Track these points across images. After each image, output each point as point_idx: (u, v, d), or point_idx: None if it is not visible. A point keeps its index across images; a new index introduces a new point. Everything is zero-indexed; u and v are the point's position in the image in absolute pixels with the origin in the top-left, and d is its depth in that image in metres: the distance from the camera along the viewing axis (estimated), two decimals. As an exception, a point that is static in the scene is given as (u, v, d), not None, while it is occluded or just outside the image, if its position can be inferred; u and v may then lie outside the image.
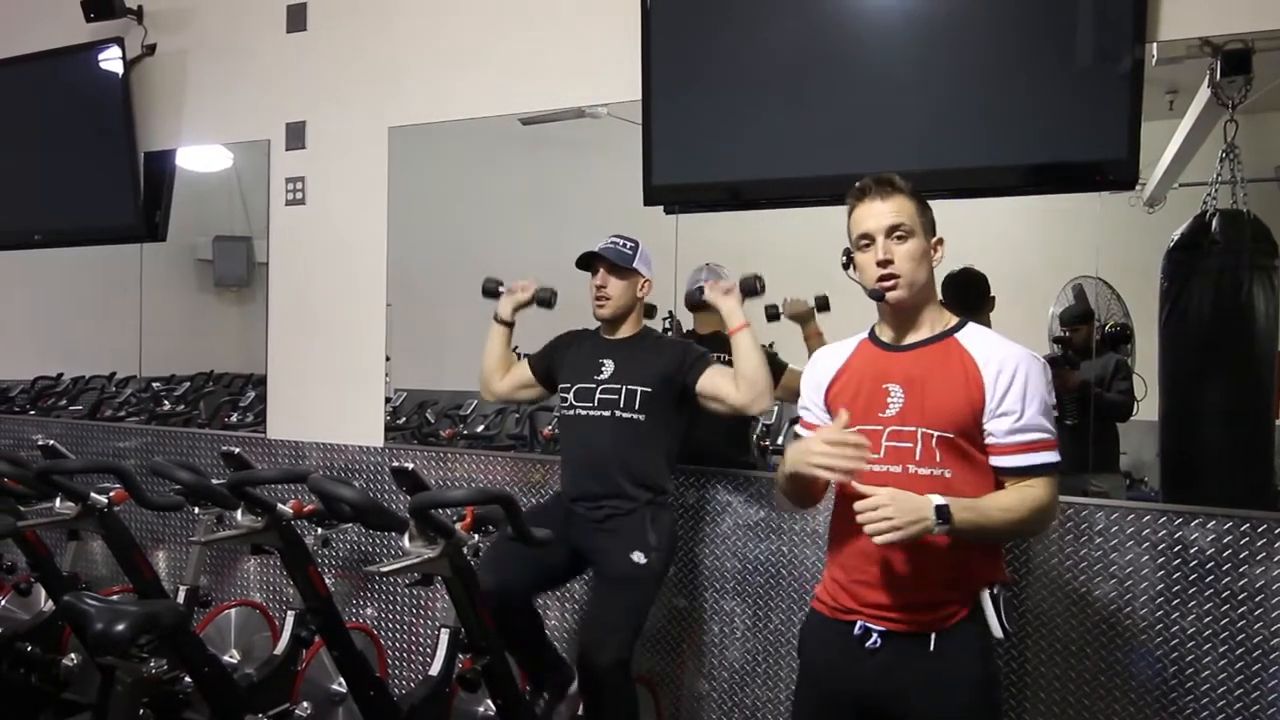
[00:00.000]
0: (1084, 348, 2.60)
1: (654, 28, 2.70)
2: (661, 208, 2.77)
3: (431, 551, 2.10)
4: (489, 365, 2.71)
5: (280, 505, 2.55)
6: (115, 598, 2.87)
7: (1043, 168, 2.37)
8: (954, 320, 1.79)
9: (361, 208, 3.37)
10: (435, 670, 2.69)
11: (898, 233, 1.73)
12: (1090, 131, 2.28)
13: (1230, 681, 2.22)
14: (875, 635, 1.71)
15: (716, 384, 2.46)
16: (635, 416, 2.47)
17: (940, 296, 1.84)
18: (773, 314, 2.64)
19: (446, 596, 2.36)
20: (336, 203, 3.44)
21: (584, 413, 2.52)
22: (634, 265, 2.53)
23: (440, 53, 3.23)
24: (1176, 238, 2.38)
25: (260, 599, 3.49)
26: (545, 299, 2.69)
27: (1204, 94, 2.31)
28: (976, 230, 2.46)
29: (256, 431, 3.64)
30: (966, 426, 1.69)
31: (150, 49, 3.80)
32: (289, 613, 2.88)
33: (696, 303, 2.81)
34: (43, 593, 3.19)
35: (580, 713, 2.62)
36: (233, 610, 3.25)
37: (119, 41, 3.73)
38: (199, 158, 3.87)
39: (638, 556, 2.41)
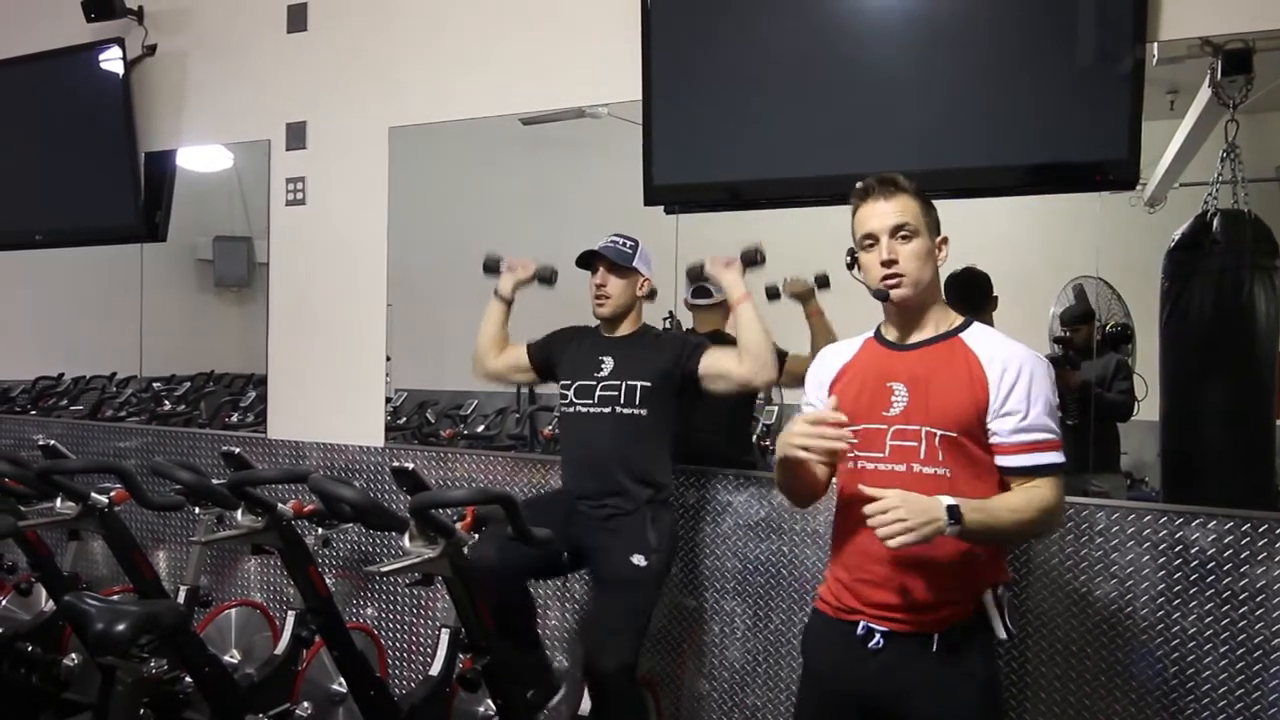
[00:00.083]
0: (1085, 348, 2.60)
1: (654, 28, 2.70)
2: (662, 208, 2.77)
3: (432, 551, 2.10)
4: (483, 342, 2.70)
5: (281, 505, 2.55)
6: (116, 598, 2.87)
7: (1043, 168, 2.36)
8: (959, 320, 1.79)
9: (362, 208, 3.37)
10: (435, 670, 2.70)
11: (902, 232, 1.73)
12: (1091, 131, 2.28)
13: (1231, 682, 2.22)
14: (878, 636, 1.71)
15: (718, 362, 2.46)
16: (636, 412, 2.47)
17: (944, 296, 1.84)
18: (773, 293, 2.64)
19: (447, 596, 2.36)
20: (337, 203, 3.44)
21: (584, 410, 2.52)
22: (634, 264, 2.53)
23: (440, 53, 3.23)
24: (1177, 238, 2.38)
25: (261, 599, 3.49)
26: (546, 276, 2.70)
27: (1205, 94, 2.31)
28: (977, 230, 2.45)
29: (257, 431, 3.64)
30: (970, 426, 1.69)
31: (151, 49, 3.80)
32: (289, 613, 2.89)
33: (696, 295, 2.82)
34: (43, 593, 3.19)
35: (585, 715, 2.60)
36: (233, 610, 3.25)
37: (119, 42, 3.73)
38: (199, 158, 3.87)
39: (638, 559, 2.41)
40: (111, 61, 3.75)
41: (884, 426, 1.73)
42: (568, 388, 2.57)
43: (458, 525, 2.16)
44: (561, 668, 3.00)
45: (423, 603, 3.26)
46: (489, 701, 2.67)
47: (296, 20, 3.51)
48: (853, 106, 2.50)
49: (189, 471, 2.72)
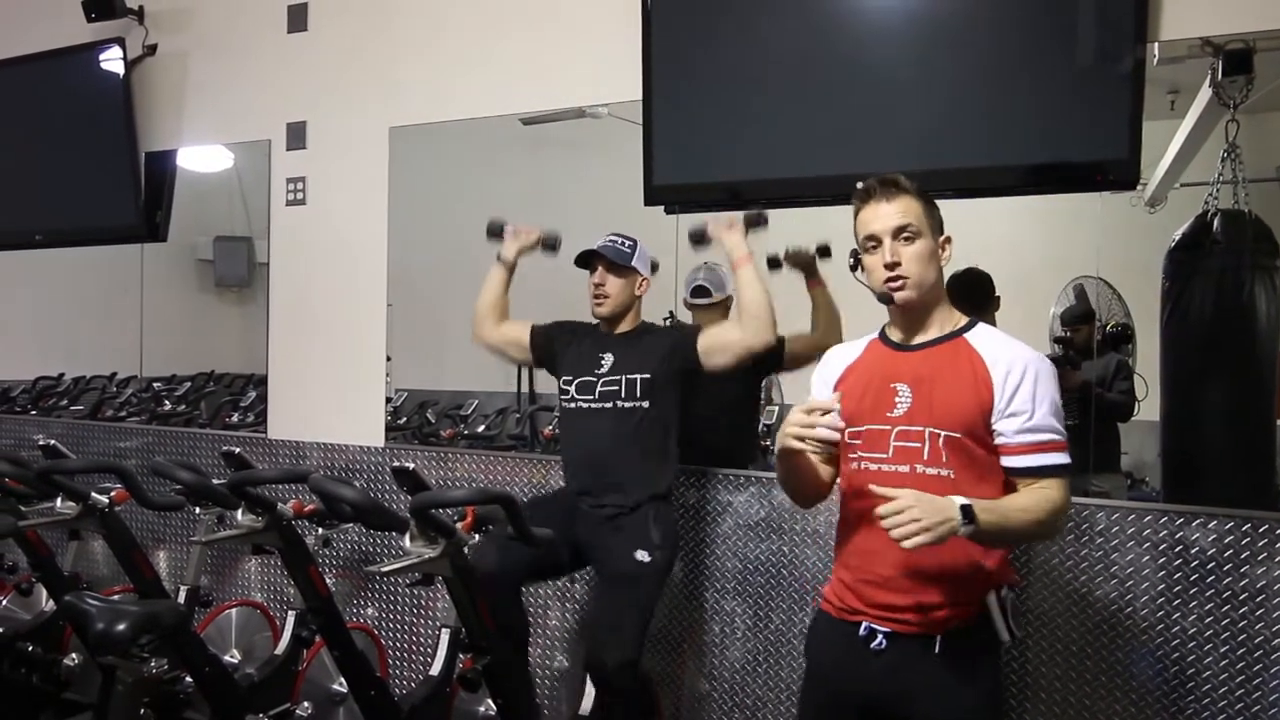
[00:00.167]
0: (1085, 348, 2.60)
1: (655, 28, 2.70)
2: (662, 208, 2.77)
3: (432, 551, 2.10)
4: (483, 308, 2.68)
5: (281, 505, 2.55)
6: (116, 597, 2.87)
7: (1044, 168, 2.36)
8: (963, 320, 1.78)
9: (362, 208, 3.37)
10: (436, 670, 2.70)
11: (905, 234, 1.72)
12: (1091, 131, 2.28)
13: (1231, 682, 2.22)
14: (880, 636, 1.71)
15: (716, 335, 2.47)
16: (638, 405, 2.47)
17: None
18: (774, 263, 2.64)
19: (447, 596, 2.36)
20: (337, 203, 3.44)
21: (585, 405, 2.53)
22: (632, 263, 2.53)
23: (441, 53, 3.23)
24: (1178, 238, 2.37)
25: (261, 599, 3.49)
26: (550, 243, 2.67)
27: (1205, 94, 2.31)
28: (977, 230, 2.45)
29: (257, 431, 3.64)
30: (974, 427, 1.68)
31: (151, 49, 3.80)
32: (290, 613, 2.89)
33: (696, 294, 2.82)
34: (44, 592, 3.20)
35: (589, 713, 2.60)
36: (233, 610, 3.25)
37: (120, 42, 3.73)
38: (200, 158, 3.87)
39: (641, 555, 2.40)
40: (112, 61, 3.76)
41: (887, 427, 1.73)
42: (569, 383, 2.57)
43: (458, 525, 2.16)
44: (562, 667, 3.01)
45: (423, 603, 3.26)
46: (489, 701, 2.66)
47: (297, 20, 3.51)
48: (853, 106, 2.50)
49: (189, 471, 2.72)
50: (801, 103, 2.56)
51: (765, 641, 2.73)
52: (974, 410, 1.68)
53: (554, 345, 2.64)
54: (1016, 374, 1.67)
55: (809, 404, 1.67)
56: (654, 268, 2.64)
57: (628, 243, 2.55)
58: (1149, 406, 2.48)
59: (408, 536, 2.11)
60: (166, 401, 4.03)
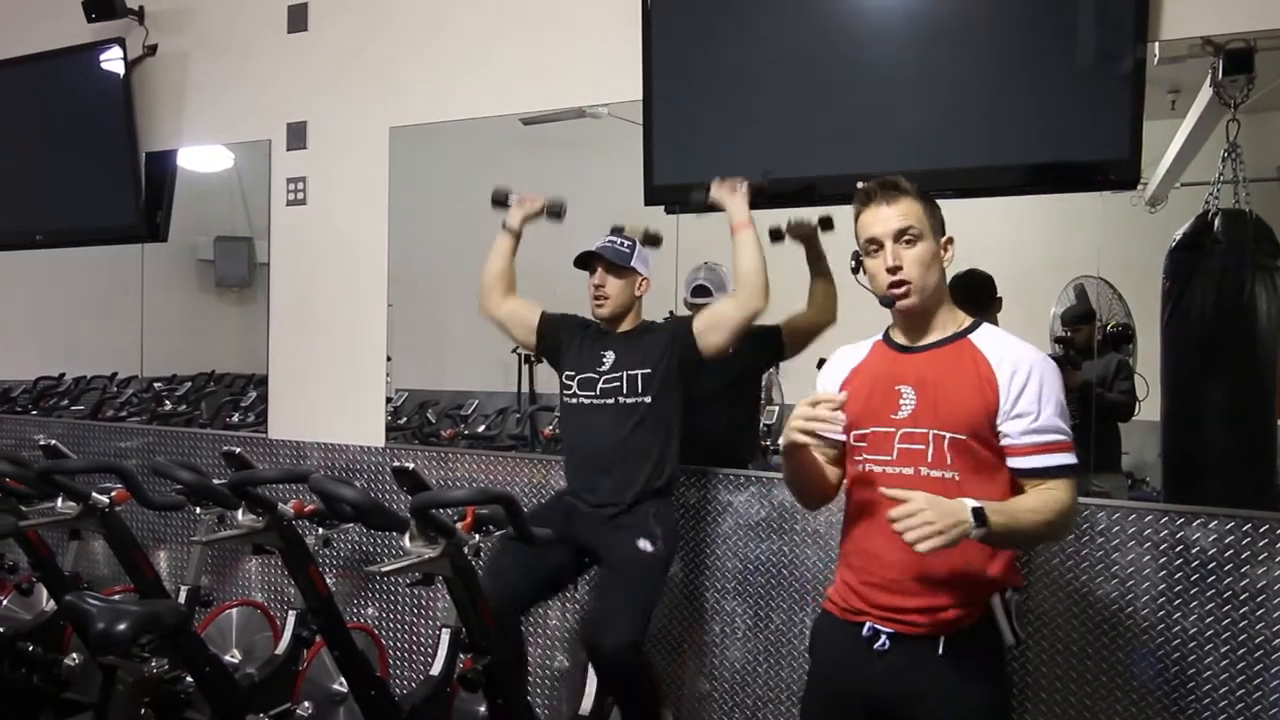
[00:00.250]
0: (1085, 348, 2.60)
1: (655, 28, 2.70)
2: (662, 208, 2.77)
3: (432, 551, 2.10)
4: (490, 278, 2.65)
5: (281, 505, 2.55)
6: (117, 597, 2.87)
7: (1044, 167, 2.36)
8: (967, 321, 1.78)
9: (363, 208, 3.37)
10: (436, 670, 2.70)
11: (906, 237, 1.71)
12: (1092, 131, 2.27)
13: (1232, 682, 2.22)
14: (884, 637, 1.71)
15: (710, 312, 2.48)
16: (640, 400, 2.47)
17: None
18: (776, 234, 2.63)
19: (447, 596, 2.36)
20: (337, 203, 3.44)
21: (587, 402, 2.53)
22: (632, 264, 2.53)
23: (441, 53, 3.23)
24: (1178, 237, 2.37)
25: (261, 599, 3.50)
26: (556, 210, 2.65)
27: (1206, 93, 2.31)
28: (978, 230, 2.45)
29: (258, 431, 3.64)
30: (980, 428, 1.67)
31: (151, 49, 3.80)
32: (290, 612, 2.89)
33: (696, 294, 2.82)
34: (44, 592, 3.19)
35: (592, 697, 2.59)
36: (234, 610, 3.25)
37: (120, 42, 3.73)
38: (200, 158, 3.87)
39: (643, 544, 2.40)
40: (112, 61, 3.76)
41: (891, 430, 1.73)
42: (571, 379, 2.57)
43: (458, 525, 2.16)
44: (562, 668, 3.01)
45: (423, 603, 3.26)
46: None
47: (297, 20, 3.51)
48: (853, 106, 2.50)
49: (190, 471, 2.72)
50: (802, 103, 2.56)
51: (766, 642, 2.73)
52: (979, 412, 1.67)
53: (560, 337, 2.63)
54: (1022, 375, 1.66)
55: (814, 397, 1.67)
56: (656, 241, 2.63)
57: (627, 243, 2.55)
58: (1149, 406, 2.48)
59: (408, 536, 2.11)
60: (167, 401, 4.03)
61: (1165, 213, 2.40)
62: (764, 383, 2.99)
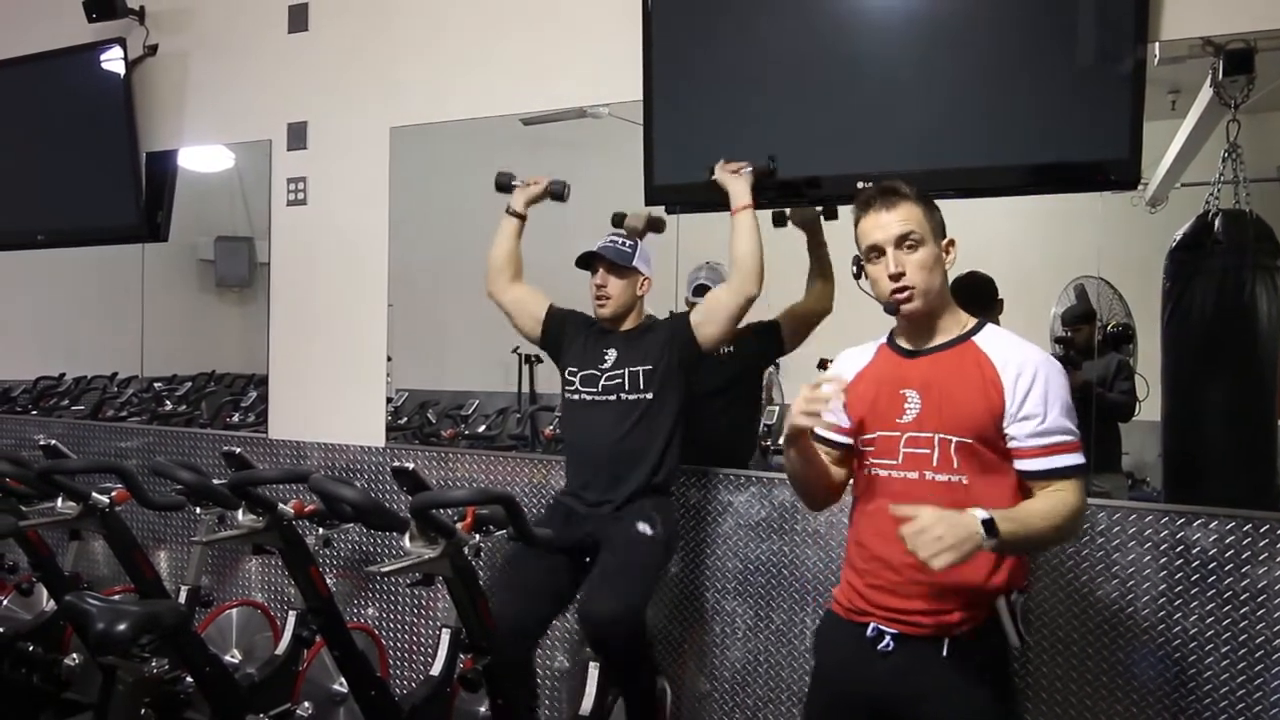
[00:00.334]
0: (1086, 348, 2.60)
1: (655, 28, 2.70)
2: (663, 208, 2.77)
3: (432, 552, 2.10)
4: (496, 261, 2.65)
5: (281, 505, 2.55)
6: (117, 598, 2.87)
7: (1045, 168, 2.36)
8: (971, 323, 1.77)
9: (363, 208, 3.37)
10: (436, 670, 2.70)
11: (907, 242, 1.71)
12: (1092, 131, 2.27)
13: (1233, 682, 2.22)
14: (888, 638, 1.71)
15: (706, 304, 2.49)
16: (642, 396, 2.47)
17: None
18: (779, 220, 2.64)
19: (447, 596, 2.36)
20: (338, 203, 3.44)
21: (589, 398, 2.53)
22: (633, 264, 2.53)
23: (441, 53, 3.23)
24: (1179, 237, 2.37)
25: (261, 599, 3.49)
26: (558, 191, 2.67)
27: (1206, 94, 2.31)
28: (978, 231, 2.45)
29: (258, 431, 3.64)
30: (985, 431, 1.67)
31: (152, 49, 3.81)
32: (290, 613, 2.89)
33: (697, 294, 2.82)
34: (44, 592, 3.19)
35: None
36: (234, 610, 3.25)
37: (121, 42, 3.73)
38: (201, 158, 3.87)
39: (643, 527, 2.40)
40: (113, 61, 3.76)
41: (896, 434, 1.73)
42: (574, 375, 2.57)
43: (458, 526, 2.16)
44: (562, 668, 3.00)
45: (423, 603, 3.26)
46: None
47: (297, 20, 3.51)
48: (853, 106, 2.50)
49: (190, 471, 2.72)
50: (802, 103, 2.56)
51: (766, 642, 2.73)
52: (984, 415, 1.67)
53: (564, 331, 2.63)
54: (1027, 377, 1.66)
55: (815, 381, 1.67)
56: (659, 226, 2.63)
57: (628, 243, 2.55)
58: (1150, 407, 2.48)
59: (408, 537, 2.11)
60: (167, 401, 4.04)
61: (1165, 213, 2.40)
62: (764, 382, 2.99)
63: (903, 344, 1.80)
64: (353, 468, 3.39)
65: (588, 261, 2.56)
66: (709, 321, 2.46)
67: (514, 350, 3.26)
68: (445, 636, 2.73)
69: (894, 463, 1.72)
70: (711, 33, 2.65)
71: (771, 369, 3.02)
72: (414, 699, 2.63)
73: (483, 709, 2.82)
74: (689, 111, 2.70)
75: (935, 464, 1.69)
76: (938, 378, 1.72)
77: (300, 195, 3.52)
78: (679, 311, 2.86)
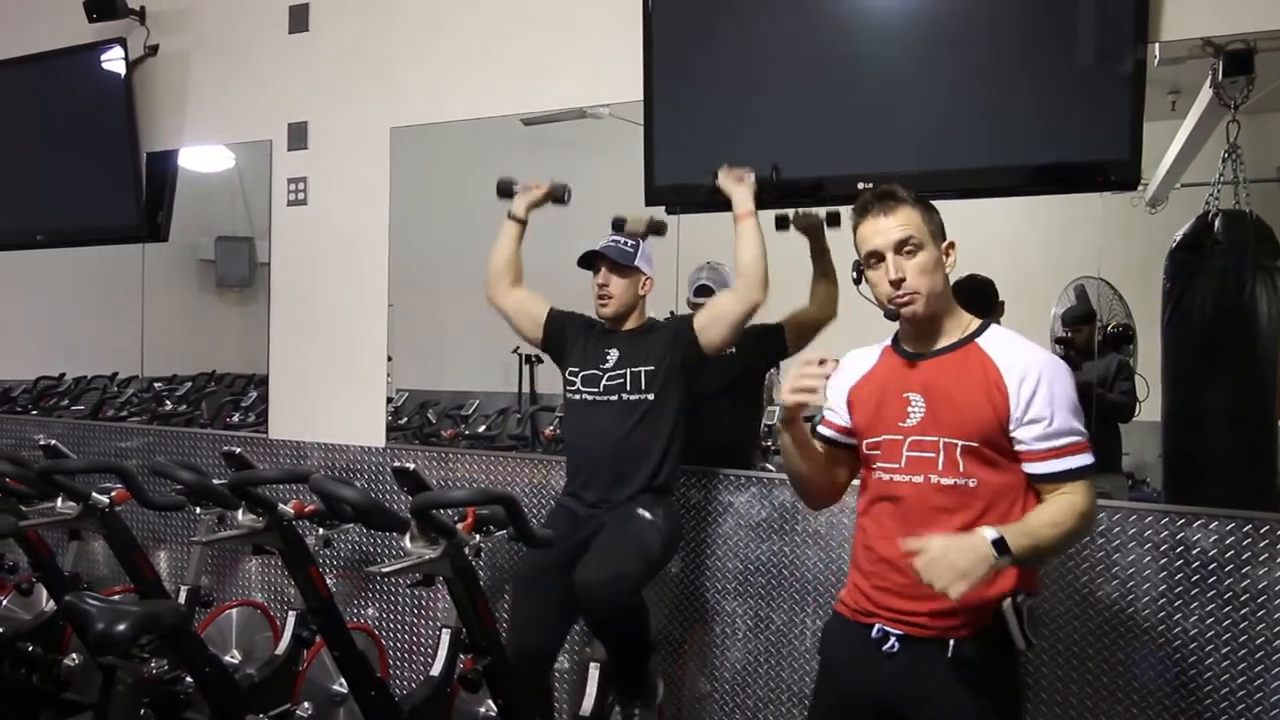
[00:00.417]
0: (1086, 348, 2.60)
1: (655, 28, 2.70)
2: (663, 208, 2.77)
3: (433, 552, 2.10)
4: (497, 266, 2.65)
5: (281, 505, 2.55)
6: (116, 598, 2.87)
7: (1045, 168, 2.36)
8: (975, 324, 1.76)
9: (363, 208, 3.37)
10: (436, 670, 2.70)
11: (907, 247, 1.70)
12: (1092, 132, 2.27)
13: (1233, 683, 2.22)
14: (893, 639, 1.70)
15: (710, 308, 2.49)
16: (643, 397, 2.48)
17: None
18: (782, 223, 2.64)
19: (448, 597, 2.35)
20: (338, 203, 3.45)
21: (590, 398, 2.53)
22: (635, 264, 2.54)
23: (441, 53, 3.23)
24: (1179, 238, 2.37)
25: (261, 599, 3.49)
26: (559, 194, 2.67)
27: (1206, 94, 2.31)
28: (978, 232, 2.45)
29: (258, 431, 3.64)
30: (991, 434, 1.66)
31: (152, 49, 3.81)
32: (290, 613, 2.89)
33: (699, 294, 2.82)
34: (44, 592, 3.20)
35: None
36: (234, 610, 3.25)
37: (121, 42, 3.73)
38: (201, 158, 3.87)
39: (644, 512, 2.41)
40: (113, 62, 3.76)
41: (900, 437, 1.73)
42: (575, 375, 2.57)
43: (459, 526, 2.16)
44: (562, 668, 3.00)
45: (423, 603, 3.26)
46: (490, 702, 2.66)
47: (298, 20, 3.51)
48: (853, 107, 2.50)
49: (190, 471, 2.72)
50: (802, 103, 2.56)
51: (766, 642, 2.73)
52: (989, 418, 1.66)
53: (565, 333, 2.63)
54: (1031, 379, 1.65)
55: (808, 357, 1.68)
56: (661, 229, 2.62)
57: (630, 243, 2.55)
58: (1150, 407, 2.47)
59: (408, 537, 2.11)
60: (167, 401, 4.03)
61: (1165, 213, 2.40)
62: (766, 383, 2.99)
63: (906, 347, 1.80)
64: (353, 468, 3.39)
65: (590, 261, 2.56)
66: (713, 326, 2.45)
67: (514, 350, 3.26)
68: (445, 637, 2.73)
69: (897, 466, 1.72)
70: (712, 33, 2.65)
71: (773, 370, 3.01)
72: (414, 699, 2.63)
73: (483, 709, 2.82)
74: (689, 112, 2.70)
75: (941, 468, 1.68)
76: (940, 381, 1.72)
77: (300, 195, 3.52)
78: (680, 312, 2.88)
